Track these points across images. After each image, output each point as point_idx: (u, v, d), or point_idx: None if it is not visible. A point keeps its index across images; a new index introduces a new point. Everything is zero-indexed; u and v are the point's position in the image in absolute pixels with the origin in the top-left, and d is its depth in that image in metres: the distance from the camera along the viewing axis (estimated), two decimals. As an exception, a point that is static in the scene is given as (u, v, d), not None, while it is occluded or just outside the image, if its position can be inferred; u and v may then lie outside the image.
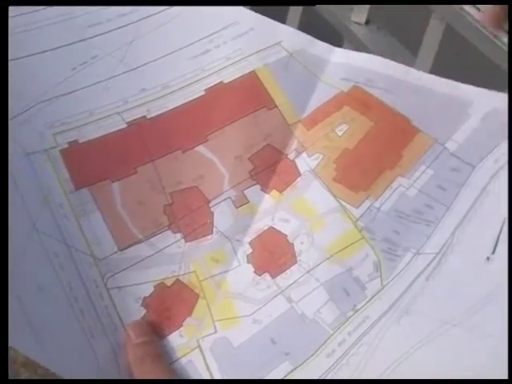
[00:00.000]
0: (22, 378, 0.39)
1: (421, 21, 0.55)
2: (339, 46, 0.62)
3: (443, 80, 0.50)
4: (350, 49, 0.61)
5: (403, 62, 0.57)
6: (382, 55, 0.58)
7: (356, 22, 0.61)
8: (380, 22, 0.61)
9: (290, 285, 0.43)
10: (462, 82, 0.49)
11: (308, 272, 0.43)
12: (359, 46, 0.60)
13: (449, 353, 0.40)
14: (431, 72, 0.54)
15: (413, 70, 0.51)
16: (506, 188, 0.45)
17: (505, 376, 0.38)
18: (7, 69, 0.44)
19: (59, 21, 0.48)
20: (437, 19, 0.53)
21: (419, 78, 0.50)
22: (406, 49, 0.60)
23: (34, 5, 0.47)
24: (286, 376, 0.40)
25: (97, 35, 0.48)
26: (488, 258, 0.42)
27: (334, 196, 0.45)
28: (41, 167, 0.42)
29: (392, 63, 0.51)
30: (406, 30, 0.50)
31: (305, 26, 0.64)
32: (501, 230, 0.43)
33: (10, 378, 0.37)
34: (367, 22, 0.61)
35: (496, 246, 0.43)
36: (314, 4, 0.51)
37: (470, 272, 0.42)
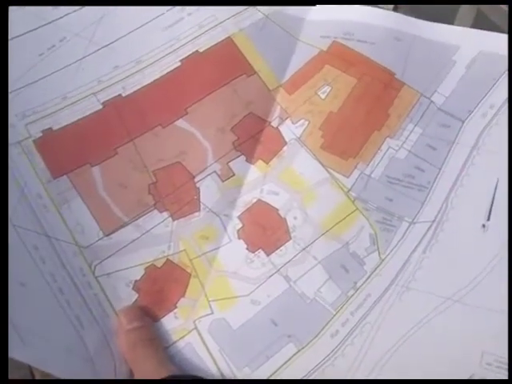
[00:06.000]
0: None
1: (451, 7, 0.53)
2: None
3: (428, 23, 0.48)
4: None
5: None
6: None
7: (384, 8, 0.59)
8: (408, 7, 0.58)
9: (286, 263, 0.42)
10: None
11: (304, 249, 0.42)
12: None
13: (452, 329, 0.40)
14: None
15: (393, 14, 0.48)
16: (497, 146, 0.43)
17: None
18: (7, 69, 0.43)
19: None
20: (467, 5, 0.50)
21: (401, 22, 0.48)
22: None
23: (34, 5, 0.45)
24: (290, 358, 0.40)
25: (62, 16, 0.46)
26: (483, 226, 0.41)
27: (323, 165, 0.44)
28: (15, 160, 0.41)
29: (370, 9, 0.48)
30: (436, 17, 0.48)
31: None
32: (494, 194, 0.42)
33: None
34: (395, 8, 0.58)
35: (490, 211, 0.41)
36: (314, 4, 0.48)
37: (466, 242, 0.42)
